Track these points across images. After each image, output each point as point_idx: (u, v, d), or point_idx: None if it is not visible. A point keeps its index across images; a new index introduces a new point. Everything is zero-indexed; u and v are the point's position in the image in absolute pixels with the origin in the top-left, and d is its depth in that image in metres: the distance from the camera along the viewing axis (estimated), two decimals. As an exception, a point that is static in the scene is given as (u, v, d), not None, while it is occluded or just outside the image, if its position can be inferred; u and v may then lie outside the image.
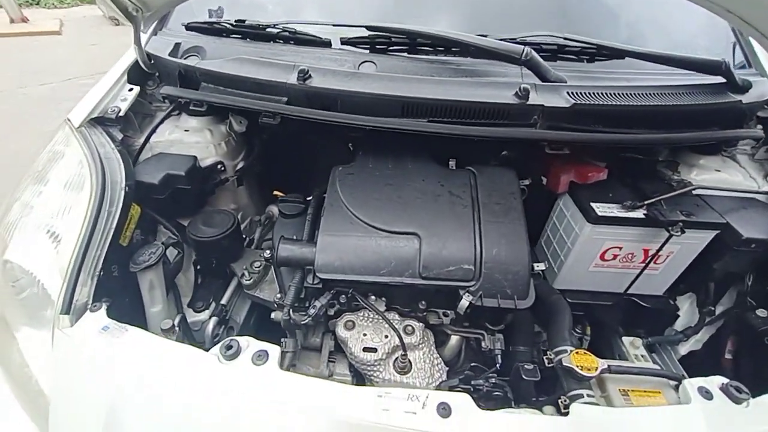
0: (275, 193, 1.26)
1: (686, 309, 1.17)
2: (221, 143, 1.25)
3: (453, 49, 1.17)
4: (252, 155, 1.35)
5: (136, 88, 1.17)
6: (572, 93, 1.00)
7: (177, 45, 1.20)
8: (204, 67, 1.08)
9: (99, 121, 1.08)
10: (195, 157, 1.16)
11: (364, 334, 1.01)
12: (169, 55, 1.16)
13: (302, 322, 0.94)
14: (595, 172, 1.04)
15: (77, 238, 0.80)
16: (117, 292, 0.87)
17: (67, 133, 1.02)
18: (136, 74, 1.21)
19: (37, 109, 4.04)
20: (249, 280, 1.13)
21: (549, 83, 1.03)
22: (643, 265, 1.07)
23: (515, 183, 1.00)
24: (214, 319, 1.09)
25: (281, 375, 0.64)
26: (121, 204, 0.88)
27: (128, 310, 0.88)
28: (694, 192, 1.07)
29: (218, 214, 1.15)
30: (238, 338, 0.69)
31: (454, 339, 1.06)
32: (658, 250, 0.99)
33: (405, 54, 1.18)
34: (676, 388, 0.88)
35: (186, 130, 1.22)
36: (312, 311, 0.94)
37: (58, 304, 0.74)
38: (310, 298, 0.98)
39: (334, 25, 1.17)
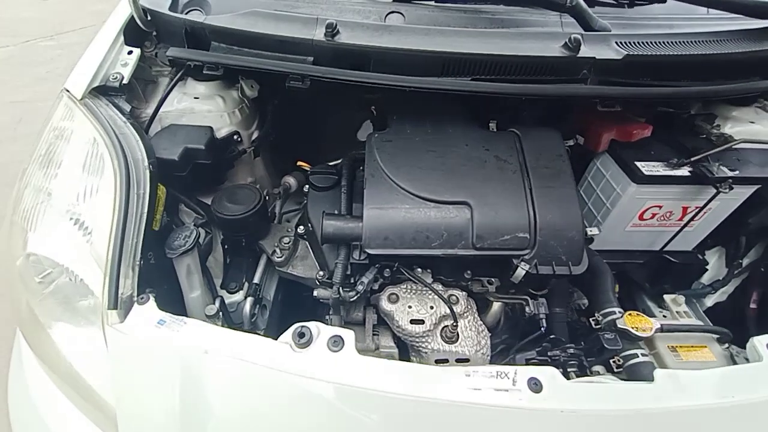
0: (299, 163, 1.18)
1: (714, 263, 1.20)
2: (235, 111, 1.14)
3: None
4: (266, 123, 1.25)
5: (137, 51, 1.04)
6: (620, 43, 0.93)
7: None
8: (215, 24, 0.96)
9: (101, 91, 0.96)
10: (211, 128, 1.07)
11: (410, 306, 0.99)
12: (170, 9, 1.02)
13: (351, 300, 0.91)
14: (640, 130, 1.01)
15: (111, 226, 0.73)
16: (155, 281, 0.81)
17: (70, 107, 0.90)
18: (132, 34, 1.07)
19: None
20: (281, 257, 1.09)
21: (593, 32, 0.97)
22: (682, 222, 1.07)
23: (561, 144, 0.96)
24: (250, 299, 1.05)
25: (361, 360, 0.62)
26: (148, 185, 0.81)
27: (166, 297, 0.83)
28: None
29: (242, 189, 1.07)
30: (307, 324, 0.66)
31: (495, 305, 1.06)
32: (703, 207, 0.99)
33: (432, 3, 1.07)
34: (720, 341, 0.92)
35: (196, 98, 1.11)
36: (360, 287, 0.92)
37: (104, 300, 0.68)
38: (354, 274, 0.95)
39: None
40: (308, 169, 1.20)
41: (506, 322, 1.11)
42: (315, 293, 1.01)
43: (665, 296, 1.06)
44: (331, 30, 0.89)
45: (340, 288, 0.89)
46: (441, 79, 0.90)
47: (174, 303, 0.91)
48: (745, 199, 1.03)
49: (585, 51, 0.89)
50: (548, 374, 0.60)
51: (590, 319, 0.96)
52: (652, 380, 0.62)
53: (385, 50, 0.89)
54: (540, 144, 0.95)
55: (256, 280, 1.10)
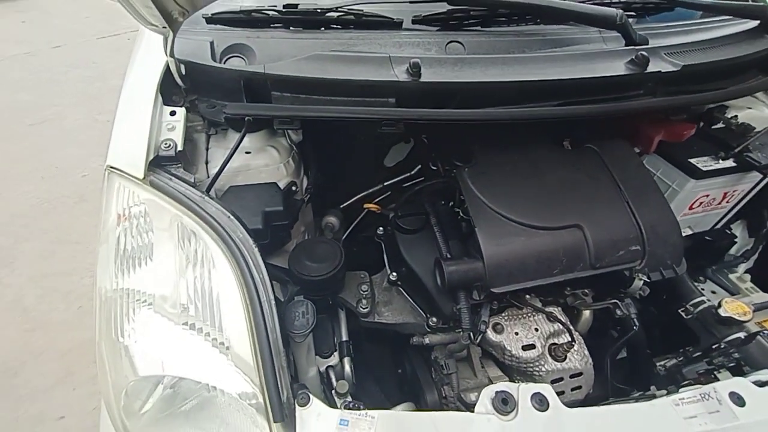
0: (367, 205, 1.12)
1: (739, 234, 1.34)
2: (288, 160, 1.05)
3: (527, 17, 1.10)
4: (312, 166, 1.17)
5: (181, 111, 0.91)
6: (668, 54, 1.01)
7: (212, 45, 0.94)
8: (279, 73, 0.87)
9: (156, 163, 0.83)
10: (276, 185, 0.97)
11: (516, 333, 0.99)
12: (212, 59, 0.91)
13: (477, 342, 0.89)
14: (689, 130, 1.10)
15: (247, 323, 0.63)
16: None
17: (131, 188, 0.76)
18: (166, 92, 0.93)
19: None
20: (366, 308, 1.03)
21: (637, 46, 1.03)
22: (720, 206, 1.18)
23: (635, 154, 1.02)
24: (347, 359, 0.97)
25: (569, 413, 0.60)
26: (263, 267, 0.71)
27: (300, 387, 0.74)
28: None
29: (318, 245, 0.99)
30: (504, 387, 0.63)
31: (586, 313, 1.09)
32: (751, 191, 1.10)
33: (480, 28, 1.08)
34: (786, 308, 1.03)
35: (247, 152, 1.00)
36: (483, 327, 0.89)
37: (268, 413, 0.59)
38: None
39: (410, 2, 1.01)
40: (376, 210, 1.14)
41: (594, 327, 1.16)
42: (426, 340, 0.96)
43: (731, 276, 1.16)
44: (417, 69, 0.85)
45: (470, 334, 0.86)
46: (530, 108, 0.90)
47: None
48: (768, 178, 1.17)
49: (650, 66, 0.94)
50: (742, 386, 0.63)
51: (680, 311, 1.03)
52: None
53: (473, 85, 0.87)
54: (619, 157, 0.99)
55: (344, 337, 1.02)
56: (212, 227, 0.71)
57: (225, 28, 1.00)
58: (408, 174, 1.32)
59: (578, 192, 0.92)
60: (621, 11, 0.99)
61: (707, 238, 1.28)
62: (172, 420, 0.67)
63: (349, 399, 0.82)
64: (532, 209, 0.89)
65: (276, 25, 1.01)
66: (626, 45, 1.04)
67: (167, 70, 0.91)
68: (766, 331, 0.86)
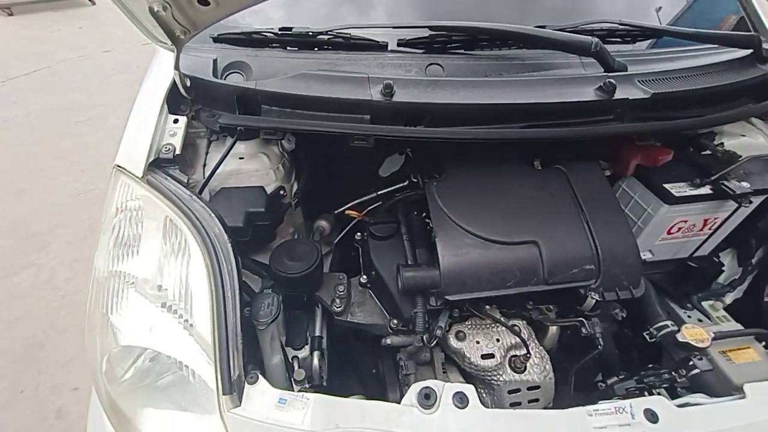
0: (348, 212, 1.20)
1: (728, 263, 1.33)
2: (279, 167, 1.15)
3: (510, 42, 1.16)
4: (303, 173, 1.27)
5: (182, 119, 1.03)
6: (642, 81, 1.04)
7: (215, 62, 1.06)
8: (268, 89, 0.97)
9: (155, 164, 0.95)
10: (263, 188, 1.07)
11: (477, 342, 1.03)
12: (213, 75, 1.03)
13: (432, 345, 0.94)
14: (665, 155, 1.11)
15: (211, 307, 0.73)
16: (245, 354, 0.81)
17: (131, 186, 0.88)
18: (175, 102, 1.06)
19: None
20: (340, 306, 1.10)
21: (615, 73, 1.07)
22: (702, 233, 1.18)
23: (603, 176, 1.05)
24: (316, 353, 1.05)
25: (487, 413, 0.66)
26: (233, 260, 0.81)
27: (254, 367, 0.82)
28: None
29: (298, 245, 1.08)
30: (429, 385, 0.69)
31: (552, 329, 1.12)
32: (726, 219, 1.10)
33: (462, 52, 1.15)
34: (758, 339, 1.03)
35: (240, 158, 1.11)
36: (438, 332, 0.95)
37: (219, 385, 0.68)
38: (428, 318, 0.98)
39: (394, 27, 1.10)
40: (356, 216, 1.22)
41: (562, 344, 1.18)
42: (388, 341, 1.03)
43: (704, 303, 1.16)
44: (389, 90, 0.93)
45: (423, 337, 0.92)
46: (495, 129, 0.96)
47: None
48: (756, 206, 1.16)
49: (618, 93, 0.98)
50: (659, 403, 0.66)
51: (644, 334, 1.04)
52: (742, 394, 0.70)
53: (440, 106, 0.94)
54: (585, 178, 1.03)
55: (317, 332, 1.10)
56: (193, 223, 0.82)
57: (229, 47, 1.12)
58: (401, 184, 1.40)
59: (539, 210, 0.97)
60: (596, 39, 1.03)
61: (693, 264, 1.27)
62: (148, 390, 0.77)
63: (307, 386, 0.90)
64: (491, 224, 0.94)
65: (274, 45, 1.13)
66: (605, 71, 1.08)
67: (174, 83, 1.04)
68: (700, 356, 0.87)
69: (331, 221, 1.39)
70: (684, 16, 1.49)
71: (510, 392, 1.01)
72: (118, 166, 0.93)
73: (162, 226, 0.82)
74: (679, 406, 0.66)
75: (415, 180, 1.22)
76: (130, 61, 4.66)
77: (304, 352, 1.06)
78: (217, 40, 1.13)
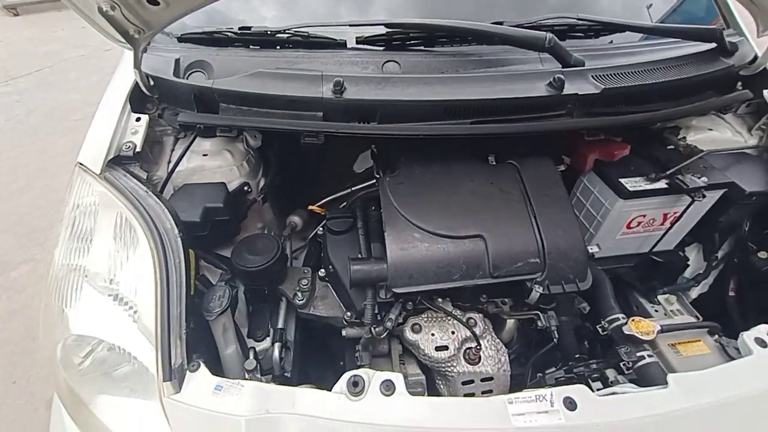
0: (311, 208, 1.23)
1: (694, 258, 1.33)
2: (243, 163, 1.18)
3: (469, 39, 1.17)
4: (270, 170, 1.30)
5: (144, 118, 1.07)
6: (596, 77, 1.04)
7: (177, 61, 1.09)
8: (224, 88, 1.00)
9: (116, 161, 0.99)
10: (224, 184, 1.11)
11: (432, 334, 1.06)
12: (174, 74, 1.06)
13: (382, 336, 0.97)
14: (621, 150, 1.12)
15: (155, 298, 0.76)
16: (193, 344, 0.84)
17: (89, 182, 0.92)
18: (138, 101, 1.09)
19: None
20: (302, 300, 1.13)
21: (570, 68, 1.08)
22: (663, 227, 1.19)
23: (555, 171, 1.06)
24: (277, 345, 1.08)
25: (412, 400, 0.68)
26: (182, 253, 0.84)
27: (203, 357, 0.86)
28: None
29: (259, 239, 1.11)
30: (358, 373, 0.71)
31: (510, 323, 1.14)
32: (682, 214, 1.11)
33: (421, 48, 1.16)
34: (710, 333, 1.03)
35: (204, 155, 1.15)
36: (389, 324, 0.97)
37: (158, 372, 0.71)
38: (380, 311, 1.01)
39: (350, 25, 1.11)
40: (319, 212, 1.25)
41: (518, 336, 1.20)
42: (344, 333, 1.06)
43: (659, 296, 1.17)
44: (339, 87, 0.95)
45: (372, 328, 0.95)
46: (445, 125, 0.98)
47: (210, 361, 0.94)
48: (714, 201, 1.16)
49: (568, 88, 0.99)
50: (580, 392, 0.68)
51: (597, 327, 1.06)
52: (666, 384, 0.71)
53: (390, 102, 0.96)
54: (537, 173, 1.04)
55: (279, 324, 1.14)
56: (144, 218, 0.85)
57: (193, 47, 1.15)
58: (373, 180, 1.42)
59: (487, 205, 0.98)
60: (550, 35, 1.04)
61: (658, 259, 1.28)
62: (104, 378, 0.81)
63: (258, 376, 0.93)
64: (440, 218, 0.96)
65: (237, 44, 1.15)
66: (562, 66, 1.09)
67: (137, 82, 1.07)
68: (628, 348, 0.89)
69: (304, 217, 1.42)
70: (673, 15, 1.48)
71: (464, 383, 1.03)
72: (80, 164, 0.97)
73: (115, 221, 0.86)
74: (605, 395, 0.68)
75: (378, 176, 1.24)
76: (130, 59, 4.72)
77: (264, 344, 1.09)
78: (181, 39, 1.16)
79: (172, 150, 1.16)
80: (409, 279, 0.93)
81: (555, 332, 1.07)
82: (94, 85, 4.34)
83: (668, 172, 1.08)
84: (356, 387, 0.69)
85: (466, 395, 1.03)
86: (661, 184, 1.09)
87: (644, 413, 0.66)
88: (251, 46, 1.16)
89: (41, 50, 5.00)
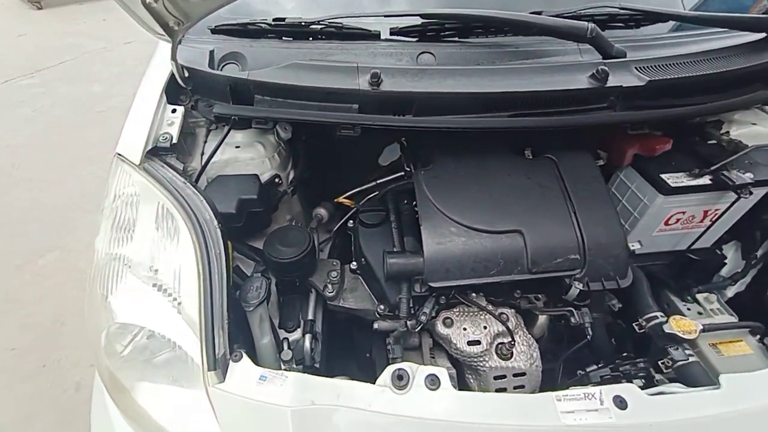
0: (340, 200, 1.23)
1: (731, 256, 1.29)
2: (274, 155, 1.18)
3: (504, 29, 1.14)
4: (299, 162, 1.30)
5: (180, 109, 1.07)
6: (639, 68, 1.01)
7: (211, 53, 1.09)
8: (260, 79, 1.00)
9: (153, 152, 0.99)
10: (257, 176, 1.11)
11: (464, 329, 1.05)
12: (209, 66, 1.06)
13: (416, 330, 0.97)
14: (663, 144, 1.09)
15: (198, 288, 0.77)
16: (232, 334, 0.85)
17: (129, 173, 0.93)
18: (174, 92, 1.10)
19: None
20: (332, 292, 1.14)
21: (612, 59, 1.04)
22: (702, 224, 1.15)
23: (594, 166, 1.03)
24: (308, 336, 1.09)
25: (458, 395, 0.68)
26: (221, 244, 0.84)
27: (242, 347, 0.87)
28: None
29: (291, 231, 1.11)
30: (403, 367, 0.71)
31: (541, 318, 1.13)
32: (725, 211, 1.07)
33: (456, 39, 1.14)
34: (752, 333, 1.00)
35: (237, 147, 1.15)
36: (423, 318, 0.97)
37: (203, 361, 0.72)
38: (414, 304, 1.00)
39: (385, 16, 1.10)
40: (348, 204, 1.25)
41: (549, 332, 1.18)
42: (376, 325, 1.05)
43: (698, 295, 1.14)
44: (376, 79, 0.94)
45: (407, 322, 0.94)
46: (483, 118, 0.96)
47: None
48: (759, 198, 1.12)
49: (611, 80, 0.96)
50: (629, 391, 0.66)
51: (633, 324, 1.04)
52: (718, 385, 0.69)
53: (427, 95, 0.95)
54: (575, 168, 1.02)
55: (310, 316, 1.14)
56: (184, 208, 0.86)
57: (226, 38, 1.15)
58: (401, 173, 1.41)
59: (526, 199, 0.96)
60: (592, 25, 1.01)
61: (694, 257, 1.25)
62: (145, 365, 0.82)
63: (294, 366, 0.94)
64: (477, 213, 0.95)
65: (270, 36, 1.15)
66: (603, 58, 1.06)
67: (173, 74, 1.07)
68: (677, 347, 0.86)
69: (330, 209, 1.42)
70: (709, 3, 1.43)
71: (496, 378, 1.02)
72: (119, 155, 0.98)
73: (156, 211, 0.87)
74: (653, 394, 0.67)
75: (408, 169, 1.23)
76: (149, 52, 4.77)
77: (295, 335, 1.10)
78: (215, 31, 1.16)
79: (205, 141, 1.17)
80: (446, 273, 0.92)
81: (589, 329, 1.05)
82: (115, 77, 4.41)
83: (713, 168, 1.05)
84: (401, 381, 0.69)
85: (497, 390, 1.03)
86: (705, 180, 1.06)
87: (695, 414, 0.65)
88: (284, 38, 1.15)
89: (65, 43, 5.08)
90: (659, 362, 0.94)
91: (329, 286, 1.14)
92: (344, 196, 1.34)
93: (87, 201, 2.86)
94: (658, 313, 1.00)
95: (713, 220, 1.15)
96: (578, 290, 0.91)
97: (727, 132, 1.18)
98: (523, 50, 1.11)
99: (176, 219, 0.85)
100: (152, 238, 0.84)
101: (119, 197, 0.90)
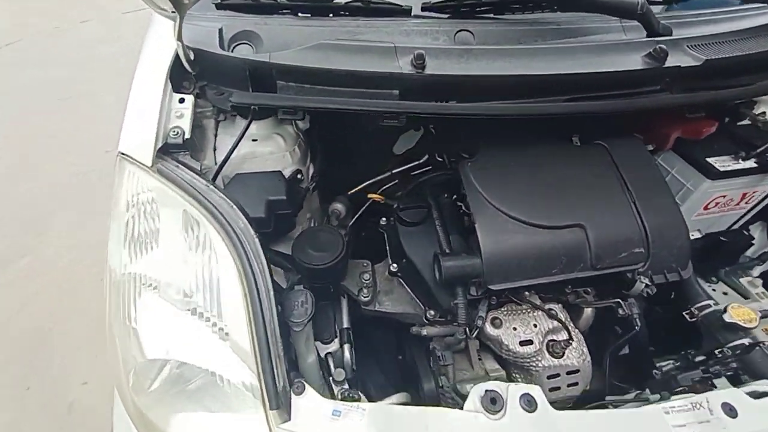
0: (371, 196, 1.12)
1: (758, 236, 1.29)
2: (294, 148, 1.06)
3: (544, 4, 1.05)
4: (318, 154, 1.18)
5: (189, 98, 0.92)
6: (692, 47, 0.96)
7: (220, 32, 0.95)
8: (284, 62, 0.87)
9: (165, 151, 0.85)
10: (281, 173, 0.99)
11: (514, 328, 1.00)
12: (220, 47, 0.92)
13: (473, 337, 0.90)
14: (709, 127, 1.05)
15: (247, 312, 0.66)
16: None
17: (139, 176, 0.79)
18: (176, 78, 0.95)
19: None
20: (367, 296, 1.05)
21: (660, 38, 0.98)
22: (738, 207, 1.14)
23: (647, 152, 0.98)
24: (347, 346, 1.00)
25: (560, 416, 0.61)
26: (263, 256, 0.73)
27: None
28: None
29: (321, 233, 1.01)
30: (492, 386, 0.64)
31: (587, 312, 1.09)
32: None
33: (492, 16, 1.04)
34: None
35: (254, 140, 1.02)
36: (480, 323, 0.90)
37: (264, 399, 0.62)
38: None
39: (417, -12, 0.98)
40: (379, 200, 1.15)
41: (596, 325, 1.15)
42: (424, 332, 0.98)
43: (742, 279, 1.13)
44: (421, 61, 0.83)
45: (466, 329, 0.87)
46: (539, 104, 0.88)
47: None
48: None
49: (669, 60, 0.90)
50: (735, 397, 0.62)
51: (684, 314, 1.01)
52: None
53: (477, 78, 0.85)
54: (629, 155, 0.96)
55: (345, 324, 1.05)
56: (215, 216, 0.74)
57: (234, 14, 1.00)
58: (416, 162, 1.32)
59: (583, 190, 0.90)
60: (643, 0, 0.94)
61: (722, 238, 1.24)
62: (178, 398, 0.71)
63: (346, 387, 0.85)
64: (533, 206, 0.88)
65: (284, 11, 1.01)
66: (648, 36, 0.99)
67: (177, 57, 0.92)
68: (751, 338, 0.84)
69: (345, 204, 1.31)
70: None
71: (549, 377, 0.98)
72: (123, 154, 0.83)
73: (180, 221, 0.74)
74: (758, 397, 0.63)
75: (440, 159, 1.14)
76: (111, 31, 4.35)
77: (333, 346, 1.01)
78: (220, 6, 1.00)
79: (215, 135, 1.03)
80: (507, 274, 0.85)
81: (637, 320, 1.02)
82: (72, 60, 3.98)
83: (759, 150, 1.02)
84: (495, 404, 0.62)
85: (551, 390, 0.99)
86: (750, 163, 1.03)
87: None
88: (300, 14, 1.02)
89: (13, 22, 4.53)
90: (715, 351, 0.92)
91: (364, 290, 1.05)
92: (362, 186, 1.24)
93: (56, 196, 2.59)
94: (710, 302, 0.98)
95: (749, 202, 1.14)
96: (644, 285, 0.87)
97: (763, 112, 1.16)
98: (565, 27, 1.02)
99: (206, 229, 0.73)
100: (181, 253, 0.71)
101: (133, 206, 0.76)
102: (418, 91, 0.88)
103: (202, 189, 0.79)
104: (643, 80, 0.92)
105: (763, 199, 1.10)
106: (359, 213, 1.27)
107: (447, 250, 0.93)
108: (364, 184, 1.28)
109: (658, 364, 1.02)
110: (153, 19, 1.02)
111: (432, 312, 0.95)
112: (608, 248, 0.86)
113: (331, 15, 1.02)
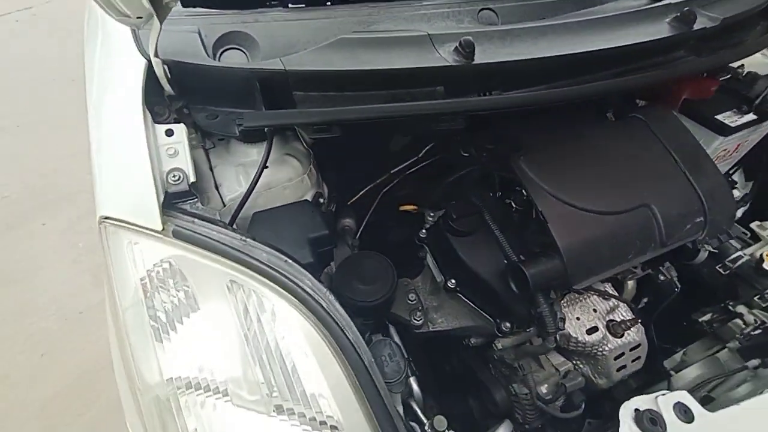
0: (404, 208, 0.99)
1: (738, 179, 1.40)
2: (311, 168, 0.89)
3: None
4: (329, 167, 1.02)
5: (179, 129, 0.71)
6: (702, 6, 0.95)
7: (200, 36, 0.73)
8: (304, 68, 0.69)
9: (167, 204, 0.64)
10: (309, 202, 0.82)
11: (578, 318, 0.97)
12: (210, 57, 0.71)
13: (552, 346, 0.84)
14: (714, 85, 1.07)
15: (357, 394, 0.52)
16: None
17: (151, 245, 0.58)
18: (153, 104, 0.72)
19: None
20: (419, 320, 0.94)
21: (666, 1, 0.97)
22: (733, 156, 1.21)
23: (679, 120, 0.98)
24: (413, 379, 0.89)
25: (716, 419, 0.57)
26: (348, 318, 0.58)
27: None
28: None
29: (364, 260, 0.87)
30: (639, 404, 0.57)
31: (630, 283, 1.09)
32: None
33: None
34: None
35: (265, 167, 0.82)
36: (561, 324, 0.84)
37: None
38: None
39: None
40: (412, 210, 1.02)
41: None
42: (499, 345, 0.90)
43: (752, 225, 1.20)
44: (470, 49, 0.71)
45: (557, 336, 0.81)
46: (586, 85, 0.81)
47: None
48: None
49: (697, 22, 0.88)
50: None
51: (717, 268, 1.05)
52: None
53: (530, 63, 0.76)
54: (666, 126, 0.94)
55: (404, 354, 0.93)
56: (274, 280, 0.57)
57: (208, 12, 0.79)
58: (416, 157, 1.21)
59: (637, 168, 0.87)
60: None
61: None
62: None
63: (448, 433, 0.75)
64: (596, 193, 0.83)
65: (273, 2, 0.81)
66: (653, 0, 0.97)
67: (149, 77, 0.69)
68: None
69: (353, 216, 1.17)
70: None
71: (615, 359, 0.97)
72: (109, 219, 0.61)
73: (226, 295, 0.56)
74: None
75: (466, 154, 1.04)
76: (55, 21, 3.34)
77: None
78: (187, 3, 0.78)
79: (212, 168, 0.82)
80: (588, 270, 0.80)
81: (676, 281, 1.05)
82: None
83: (757, 102, 1.07)
84: (655, 425, 0.56)
85: (618, 369, 0.98)
86: (751, 116, 1.08)
87: None
88: (291, 5, 0.83)
89: None
90: (755, 298, 0.97)
91: (416, 312, 0.94)
92: (365, 190, 1.11)
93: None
94: (741, 253, 1.02)
95: (740, 152, 1.21)
96: (707, 252, 0.87)
97: (742, 65, 1.23)
98: None
99: (268, 299, 0.56)
100: (237, 338, 0.54)
101: (151, 289, 0.56)
102: (466, 84, 0.76)
103: (239, 246, 0.61)
104: (669, 47, 0.90)
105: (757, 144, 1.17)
106: (364, 222, 1.14)
107: (515, 257, 0.84)
108: (366, 188, 1.16)
109: (699, 319, 1.06)
110: (98, 28, 0.77)
111: (508, 324, 0.87)
112: (675, 223, 0.84)
113: (328, 3, 0.85)
